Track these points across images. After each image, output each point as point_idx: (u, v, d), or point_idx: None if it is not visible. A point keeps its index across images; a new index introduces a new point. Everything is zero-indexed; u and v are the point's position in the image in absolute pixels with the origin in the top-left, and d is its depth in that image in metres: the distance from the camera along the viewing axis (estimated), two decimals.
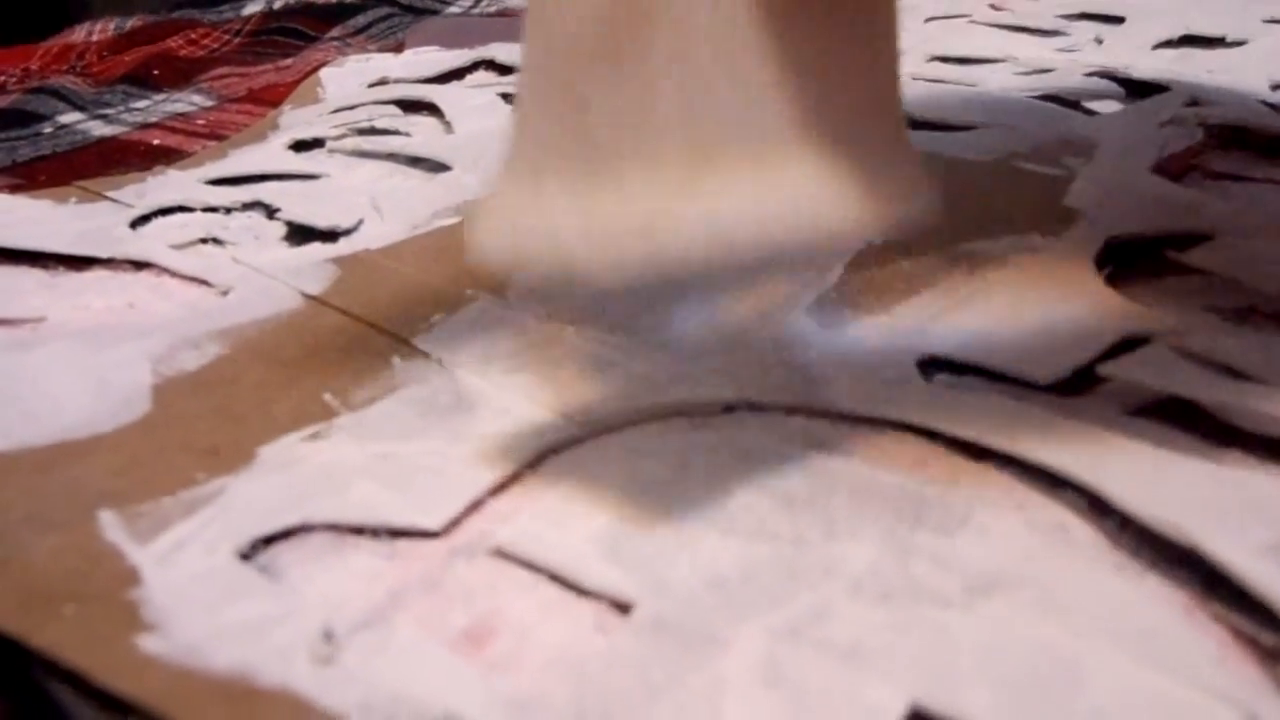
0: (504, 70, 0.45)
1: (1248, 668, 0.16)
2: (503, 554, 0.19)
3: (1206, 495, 0.18)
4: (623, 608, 0.17)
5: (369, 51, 0.49)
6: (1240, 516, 0.17)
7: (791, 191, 0.17)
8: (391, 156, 0.37)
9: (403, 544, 0.19)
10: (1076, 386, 0.22)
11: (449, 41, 0.48)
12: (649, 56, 0.16)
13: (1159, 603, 0.17)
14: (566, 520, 0.19)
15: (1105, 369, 0.22)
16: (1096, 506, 0.19)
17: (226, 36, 0.52)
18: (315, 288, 0.28)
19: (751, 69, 0.17)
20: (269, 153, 0.39)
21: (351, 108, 0.42)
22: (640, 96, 0.16)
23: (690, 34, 0.16)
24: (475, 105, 0.41)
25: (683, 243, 0.17)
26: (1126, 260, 0.26)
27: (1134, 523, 0.18)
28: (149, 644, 0.17)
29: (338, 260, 0.30)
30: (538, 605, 0.18)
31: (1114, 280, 0.25)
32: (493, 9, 0.55)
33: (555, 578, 0.18)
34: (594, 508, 0.20)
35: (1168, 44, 0.42)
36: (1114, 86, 0.38)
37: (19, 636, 0.18)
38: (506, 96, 0.42)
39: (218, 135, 0.41)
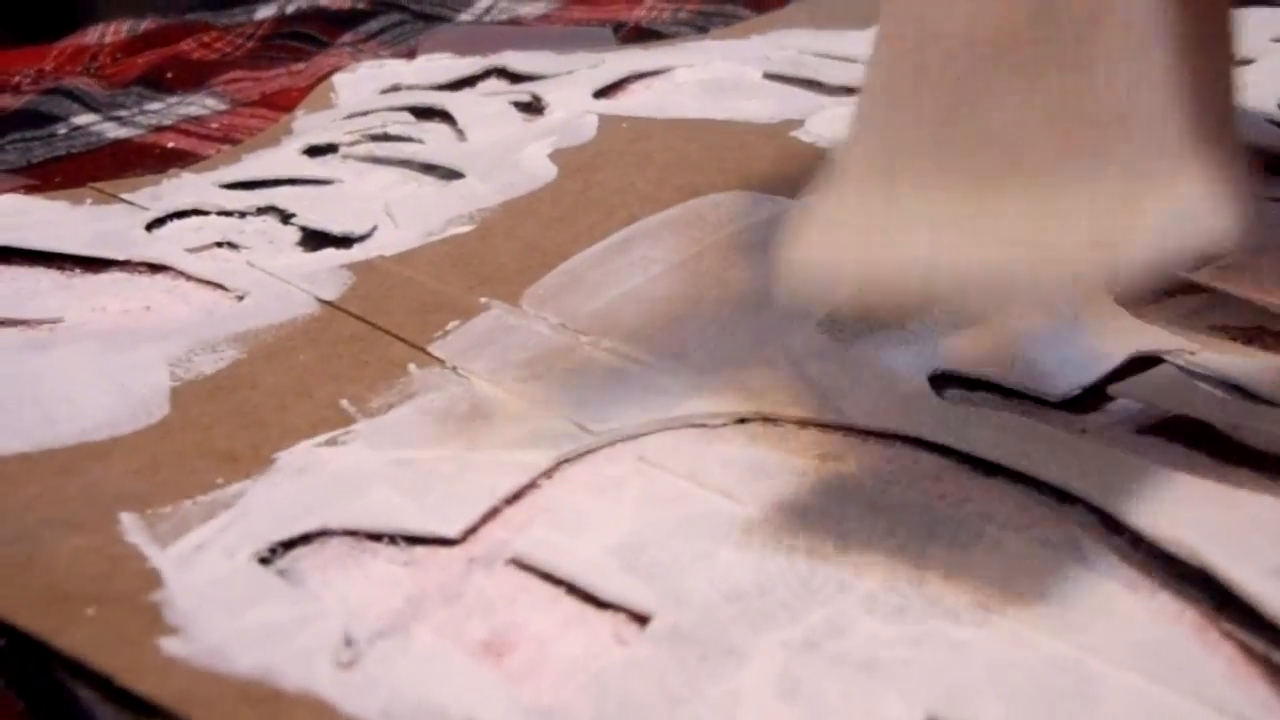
0: (515, 78, 0.46)
1: (1257, 685, 0.16)
2: (521, 564, 0.19)
3: (1217, 517, 0.18)
4: (640, 618, 0.18)
5: (381, 57, 0.49)
6: (1250, 539, 0.18)
7: (1185, 210, 0.16)
8: (405, 163, 0.37)
9: (420, 551, 0.20)
10: (1087, 404, 0.22)
11: (461, 49, 0.49)
12: (1078, 64, 0.15)
13: (1170, 620, 0.17)
14: (583, 530, 0.19)
15: (1116, 388, 0.22)
16: (1108, 523, 0.19)
17: (239, 40, 0.52)
18: (330, 294, 0.29)
19: (1164, 75, 0.15)
20: (283, 157, 0.39)
21: (365, 114, 0.42)
22: (1074, 107, 0.15)
23: (1123, 36, 0.15)
24: (488, 113, 0.41)
25: (1119, 273, 0.15)
26: None
27: (1145, 540, 0.18)
28: (172, 646, 0.17)
29: (352, 266, 0.30)
30: (557, 617, 0.18)
31: (1123, 298, 0.25)
32: (504, 17, 0.56)
33: (573, 589, 0.18)
34: (610, 518, 0.20)
35: None
36: None
37: (42, 637, 0.18)
38: (519, 105, 0.42)
39: (231, 139, 0.42)
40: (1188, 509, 0.18)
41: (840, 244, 0.16)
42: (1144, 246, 0.15)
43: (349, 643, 0.17)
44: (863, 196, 0.16)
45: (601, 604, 0.18)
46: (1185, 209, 0.16)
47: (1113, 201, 0.15)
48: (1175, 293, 0.26)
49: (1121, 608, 0.17)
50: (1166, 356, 0.23)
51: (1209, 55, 0.17)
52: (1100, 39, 0.15)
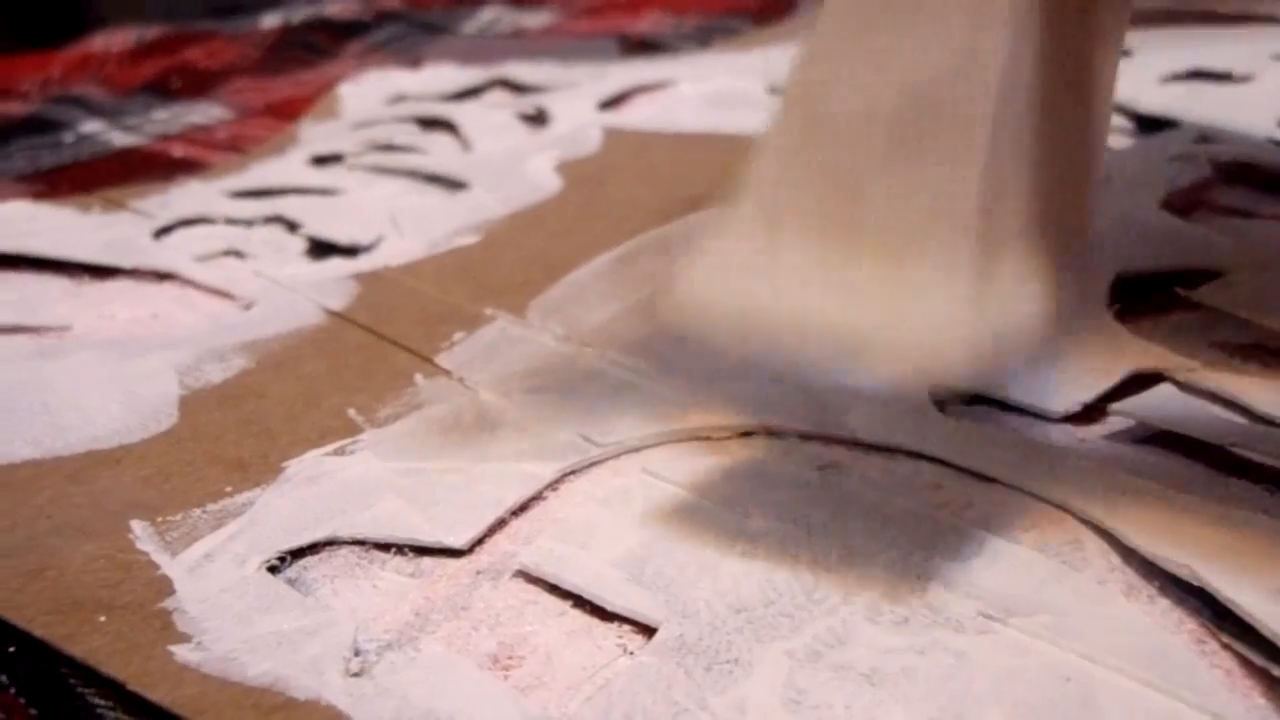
0: (519, 90, 0.46)
1: (1256, 697, 0.16)
2: (527, 576, 0.19)
3: (1217, 537, 0.18)
4: (646, 629, 0.18)
5: (387, 68, 0.50)
6: (1250, 559, 0.18)
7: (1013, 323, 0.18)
8: (410, 173, 0.38)
9: (428, 562, 0.20)
10: (1087, 419, 0.22)
11: (466, 60, 0.49)
12: (955, 157, 0.16)
13: (1170, 629, 0.17)
14: (589, 542, 0.20)
15: (1115, 406, 0.23)
16: (1107, 531, 0.19)
17: (245, 49, 0.53)
18: (337, 303, 0.29)
19: (1030, 179, 0.17)
20: (289, 167, 0.39)
21: (370, 124, 0.42)
22: (946, 197, 0.17)
23: (985, 134, 0.16)
24: (493, 124, 0.41)
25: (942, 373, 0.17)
26: (1136, 295, 0.26)
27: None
28: (183, 654, 0.17)
29: (358, 276, 0.30)
30: (563, 629, 0.18)
31: (1122, 315, 0.26)
32: (508, 29, 0.56)
33: (580, 601, 0.19)
34: (616, 529, 0.20)
35: (1175, 78, 0.43)
36: (1122, 120, 0.39)
37: (53, 644, 0.18)
38: (523, 116, 0.42)
39: (237, 148, 0.42)
40: (1188, 530, 0.19)
41: (722, 286, 0.18)
42: (968, 355, 0.17)
43: (358, 652, 0.17)
44: (748, 242, 0.18)
45: (607, 615, 0.18)
46: (1016, 320, 0.18)
47: (958, 299, 0.17)
48: (1173, 309, 0.26)
49: (1122, 615, 0.18)
50: (1165, 374, 0.23)
51: (1076, 163, 0.19)
52: (978, 138, 0.16)
